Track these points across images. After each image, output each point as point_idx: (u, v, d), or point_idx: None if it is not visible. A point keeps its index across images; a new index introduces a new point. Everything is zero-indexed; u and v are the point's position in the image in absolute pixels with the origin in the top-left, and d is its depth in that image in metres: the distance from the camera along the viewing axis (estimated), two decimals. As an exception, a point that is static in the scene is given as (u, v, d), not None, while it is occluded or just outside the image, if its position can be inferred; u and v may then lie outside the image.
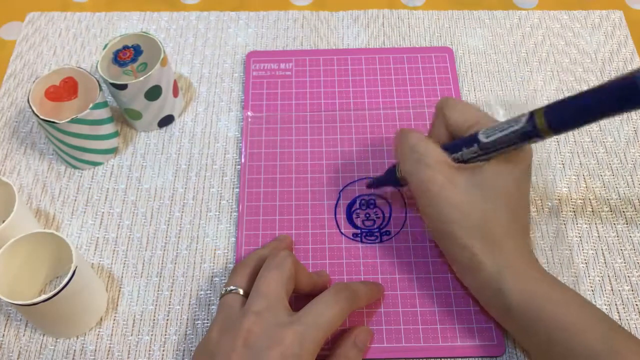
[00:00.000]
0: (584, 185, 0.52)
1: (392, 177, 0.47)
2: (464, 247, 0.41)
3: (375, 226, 0.50)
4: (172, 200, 0.52)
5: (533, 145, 0.53)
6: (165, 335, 0.46)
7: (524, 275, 0.40)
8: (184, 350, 0.45)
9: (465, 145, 0.42)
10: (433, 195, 0.42)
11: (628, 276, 0.47)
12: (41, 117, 0.48)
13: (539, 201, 0.51)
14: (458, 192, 0.41)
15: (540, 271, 0.41)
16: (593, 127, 0.55)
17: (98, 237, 0.50)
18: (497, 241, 0.41)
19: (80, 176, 0.53)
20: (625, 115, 0.56)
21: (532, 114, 0.37)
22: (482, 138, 0.41)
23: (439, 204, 0.41)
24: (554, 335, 0.38)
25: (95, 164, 0.53)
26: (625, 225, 0.50)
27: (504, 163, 0.41)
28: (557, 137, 0.54)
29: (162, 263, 0.49)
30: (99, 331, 0.46)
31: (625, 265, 0.48)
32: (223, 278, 0.48)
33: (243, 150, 0.54)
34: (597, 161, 0.53)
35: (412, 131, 0.44)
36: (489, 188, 0.41)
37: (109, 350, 0.45)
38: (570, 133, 0.55)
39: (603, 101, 0.33)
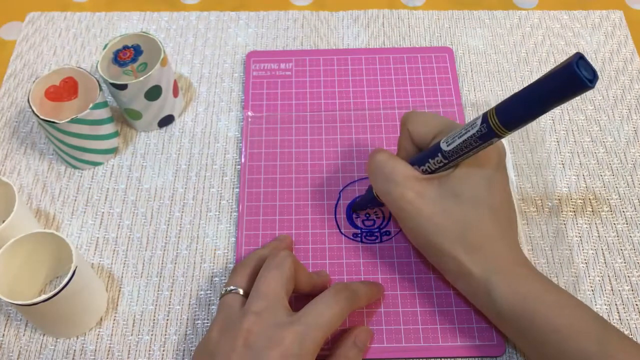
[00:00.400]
0: (584, 185, 0.52)
1: (372, 196, 0.47)
2: (449, 257, 0.41)
3: (375, 226, 0.50)
4: (172, 200, 0.52)
5: (533, 145, 0.54)
6: (165, 335, 0.46)
7: (513, 278, 0.40)
8: (184, 350, 0.45)
9: (431, 157, 0.42)
10: (406, 211, 0.42)
11: (628, 276, 0.47)
12: (41, 117, 0.48)
13: (539, 201, 0.51)
14: (429, 203, 0.41)
15: (530, 270, 0.41)
16: (593, 127, 0.55)
17: (98, 237, 0.50)
18: (479, 246, 0.40)
19: (80, 176, 0.53)
20: (625, 115, 0.56)
21: (485, 116, 0.37)
22: (444, 147, 0.40)
23: (414, 219, 0.42)
24: (547, 337, 0.38)
25: (95, 164, 0.53)
26: (625, 225, 0.50)
27: (471, 166, 0.41)
28: (557, 137, 0.54)
29: (162, 263, 0.49)
30: (99, 331, 0.46)
31: (625, 265, 0.48)
32: (223, 278, 0.48)
33: (243, 150, 0.54)
34: (597, 161, 0.53)
35: (379, 151, 0.44)
36: (460, 194, 0.41)
37: (109, 350, 0.45)
38: (570, 133, 0.55)
39: (547, 92, 0.34)
